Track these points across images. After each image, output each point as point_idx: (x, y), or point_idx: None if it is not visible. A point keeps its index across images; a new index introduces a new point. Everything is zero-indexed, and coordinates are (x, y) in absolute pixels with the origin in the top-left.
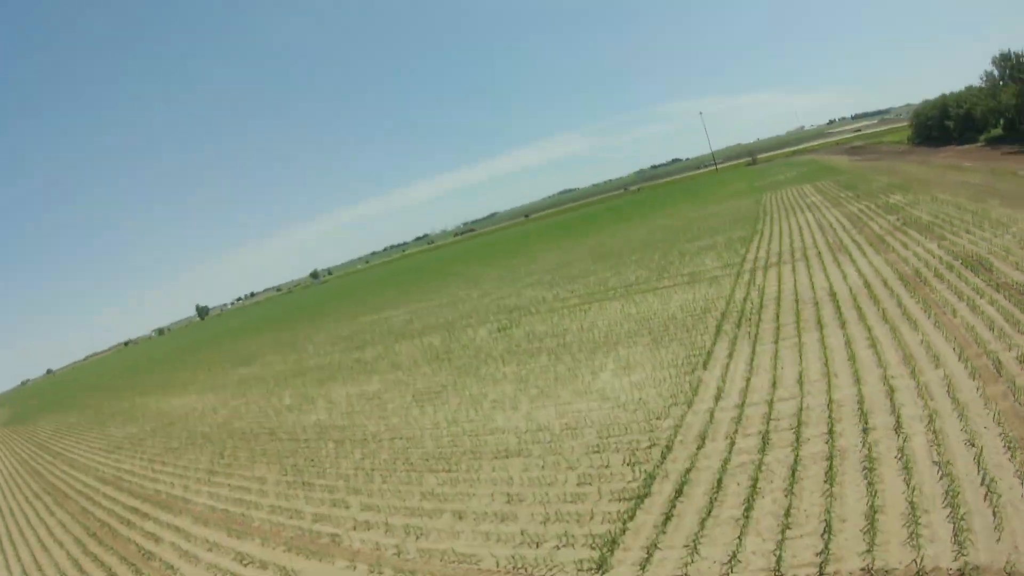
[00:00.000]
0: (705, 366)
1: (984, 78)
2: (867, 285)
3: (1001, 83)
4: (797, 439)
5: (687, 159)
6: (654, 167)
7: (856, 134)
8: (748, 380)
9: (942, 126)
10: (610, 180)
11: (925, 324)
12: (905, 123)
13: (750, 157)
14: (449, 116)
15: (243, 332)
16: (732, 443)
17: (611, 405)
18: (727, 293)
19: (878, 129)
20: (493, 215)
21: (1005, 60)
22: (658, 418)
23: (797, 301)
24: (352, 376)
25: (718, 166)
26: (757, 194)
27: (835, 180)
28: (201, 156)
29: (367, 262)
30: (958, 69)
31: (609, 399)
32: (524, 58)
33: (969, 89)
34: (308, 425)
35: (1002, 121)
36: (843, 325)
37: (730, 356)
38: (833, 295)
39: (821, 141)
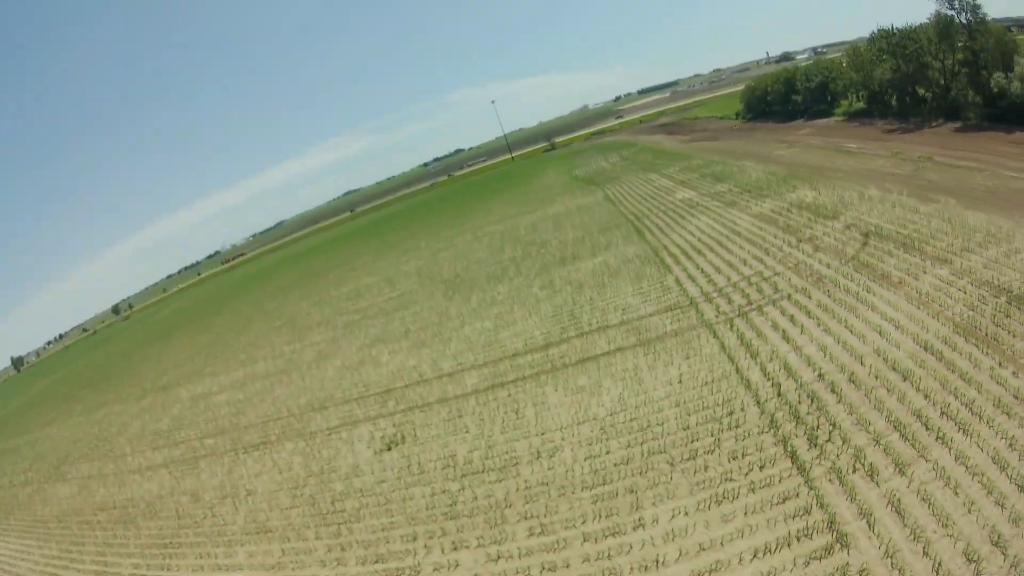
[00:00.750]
0: None
1: (850, 53)
2: (927, 348)
3: (872, 56)
4: None
5: (469, 148)
6: (436, 159)
7: (659, 111)
8: None
9: (785, 100)
10: (392, 176)
11: None
12: (703, 96)
13: (548, 142)
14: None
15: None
16: None
17: None
18: (729, 371)
19: (678, 104)
20: (280, 223)
21: (885, 36)
22: None
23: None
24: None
25: (513, 154)
26: (592, 187)
27: (686, 166)
28: None
29: (164, 290)
30: (735, 41)
31: None
32: (286, 62)
33: (818, 62)
34: None
35: (865, 94)
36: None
37: None
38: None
39: (620, 120)
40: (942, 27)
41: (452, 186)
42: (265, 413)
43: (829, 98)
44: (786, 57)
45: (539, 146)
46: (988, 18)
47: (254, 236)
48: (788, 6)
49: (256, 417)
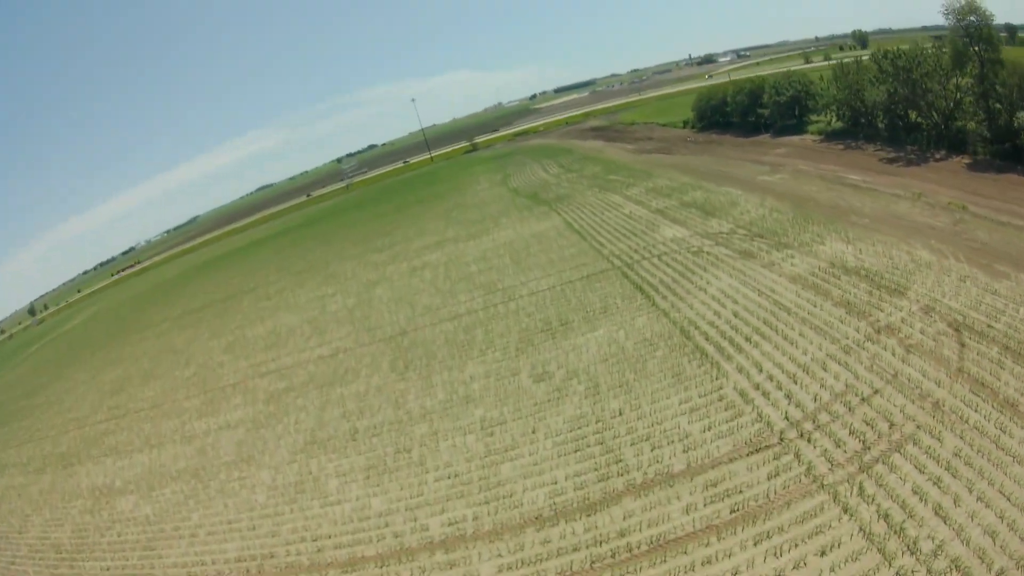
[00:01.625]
0: None
1: (836, 69)
2: None
3: (869, 76)
4: None
5: (383, 144)
6: (349, 155)
7: (584, 112)
8: None
9: (747, 112)
10: (306, 171)
11: None
12: (627, 98)
13: (469, 142)
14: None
15: None
16: None
17: None
18: None
19: (604, 106)
20: (195, 219)
21: (885, 56)
22: None
23: None
24: None
25: (432, 154)
26: (541, 207)
27: (652, 188)
28: None
29: (79, 290)
30: (652, 41)
31: None
32: (201, 54)
33: (788, 74)
34: None
35: (847, 114)
36: None
37: None
38: None
39: (543, 121)
40: (956, 54)
41: (370, 189)
42: (183, 559)
43: (798, 113)
44: (708, 59)
45: (459, 146)
46: (1001, 41)
47: (168, 232)
48: (707, 8)
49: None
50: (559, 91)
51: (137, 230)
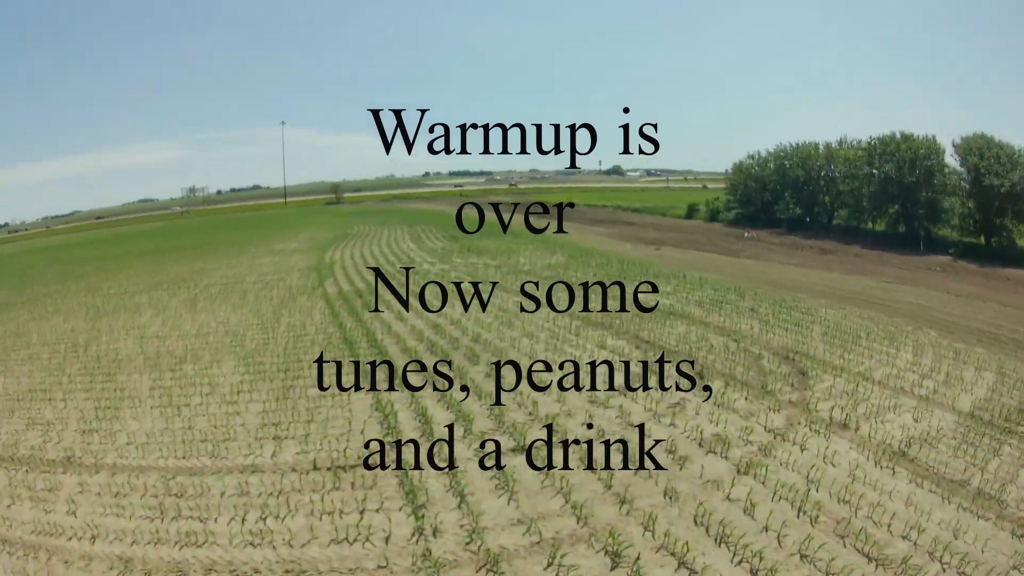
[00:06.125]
0: None
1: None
2: None
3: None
4: None
5: (268, 187)
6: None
7: (483, 189)
8: None
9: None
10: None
11: None
12: (532, 185)
13: (334, 196)
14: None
15: None
16: None
17: None
18: None
19: (505, 187)
20: (74, 213)
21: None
22: None
23: None
24: None
25: (287, 199)
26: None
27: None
28: None
29: None
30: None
31: None
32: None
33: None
34: None
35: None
36: None
37: None
38: None
39: (429, 189)
40: None
41: (204, 220)
42: None
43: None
44: (617, 171)
45: (321, 196)
46: None
47: (45, 219)
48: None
49: None
50: (453, 175)
51: (13, 209)
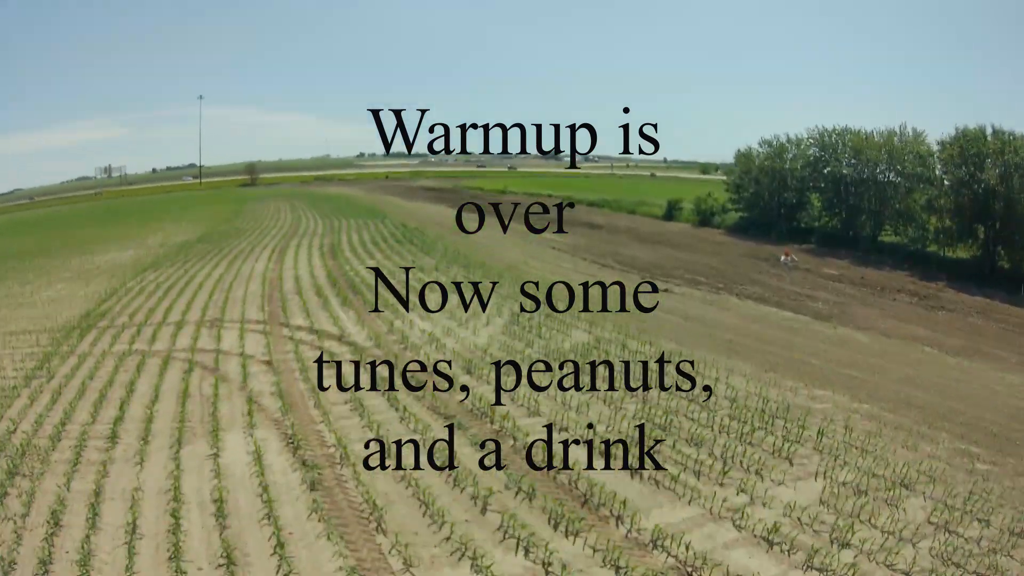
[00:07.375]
0: None
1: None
2: None
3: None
4: None
5: (205, 166)
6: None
7: (412, 171)
8: None
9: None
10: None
11: None
12: (467, 168)
13: (249, 177)
14: None
15: None
16: None
17: None
18: None
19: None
20: (16, 191)
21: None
22: None
23: None
24: None
25: (201, 179)
26: None
27: None
28: None
29: None
30: None
31: None
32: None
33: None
34: None
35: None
36: None
37: None
38: None
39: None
40: None
41: (116, 203)
42: None
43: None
44: (557, 154)
45: (236, 177)
46: None
47: None
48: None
49: None
50: (388, 156)
51: None
